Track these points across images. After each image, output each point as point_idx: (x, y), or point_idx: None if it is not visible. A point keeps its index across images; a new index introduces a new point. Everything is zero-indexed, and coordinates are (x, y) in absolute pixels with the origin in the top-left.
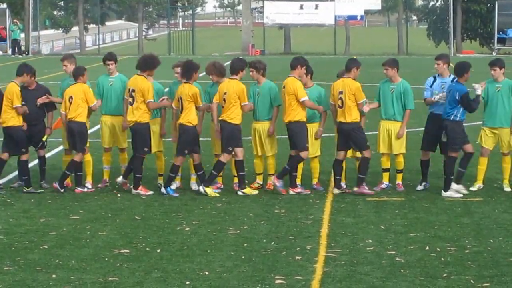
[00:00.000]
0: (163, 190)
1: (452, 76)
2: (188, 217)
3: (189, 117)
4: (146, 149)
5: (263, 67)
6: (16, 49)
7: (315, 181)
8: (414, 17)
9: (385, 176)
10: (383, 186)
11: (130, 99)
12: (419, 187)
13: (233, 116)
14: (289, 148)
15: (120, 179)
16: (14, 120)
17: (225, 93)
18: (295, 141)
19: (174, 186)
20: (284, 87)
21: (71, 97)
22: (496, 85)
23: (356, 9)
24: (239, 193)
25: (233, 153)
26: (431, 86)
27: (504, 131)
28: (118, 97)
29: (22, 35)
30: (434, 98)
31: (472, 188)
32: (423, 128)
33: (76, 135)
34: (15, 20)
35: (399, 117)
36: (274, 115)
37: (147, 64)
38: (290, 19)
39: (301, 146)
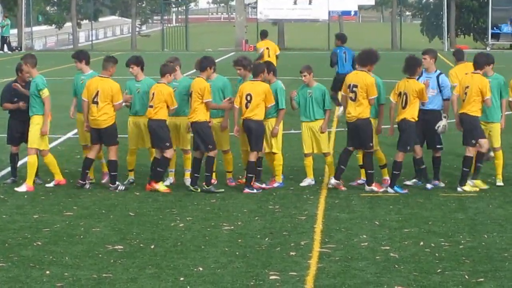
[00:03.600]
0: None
1: (439, 71)
2: (182, 213)
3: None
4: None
5: (249, 63)
6: (5, 45)
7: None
8: (408, 13)
9: (362, 172)
10: (359, 181)
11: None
12: (409, 182)
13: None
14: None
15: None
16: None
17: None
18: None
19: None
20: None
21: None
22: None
23: (350, 4)
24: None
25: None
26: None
27: (494, 125)
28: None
29: (14, 31)
30: None
31: (498, 183)
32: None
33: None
34: (6, 16)
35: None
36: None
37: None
38: (284, 14)
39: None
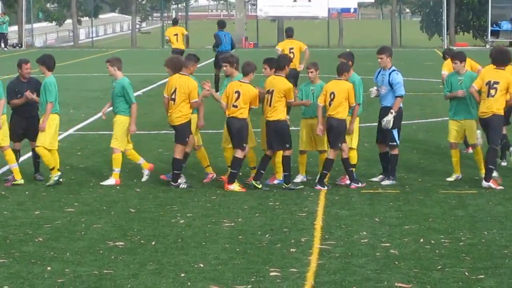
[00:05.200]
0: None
1: (393, 68)
2: (182, 209)
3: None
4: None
5: (236, 60)
6: (3, 42)
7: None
8: (407, 10)
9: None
10: (347, 181)
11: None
12: (376, 179)
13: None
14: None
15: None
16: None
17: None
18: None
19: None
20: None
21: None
22: (458, 77)
23: (350, 1)
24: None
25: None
26: (376, 79)
27: (468, 122)
28: None
29: (15, 28)
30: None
31: (449, 179)
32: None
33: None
34: (3, 13)
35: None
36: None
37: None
38: (284, 11)
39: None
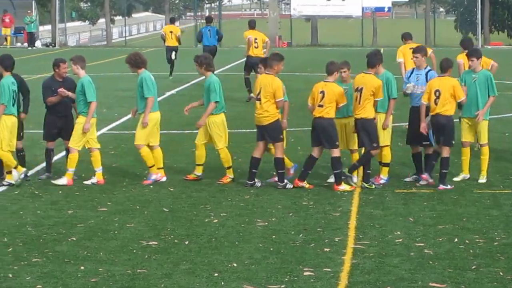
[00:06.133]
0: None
1: (428, 68)
2: (216, 209)
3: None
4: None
5: (205, 61)
6: (30, 41)
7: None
8: (442, 9)
9: (384, 171)
10: (382, 181)
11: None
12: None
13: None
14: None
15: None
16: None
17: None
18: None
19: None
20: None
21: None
22: (473, 75)
23: (384, 0)
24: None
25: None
26: (408, 78)
27: (481, 121)
28: None
29: (48, 27)
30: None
31: (455, 179)
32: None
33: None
34: (29, 12)
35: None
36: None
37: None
38: (317, 10)
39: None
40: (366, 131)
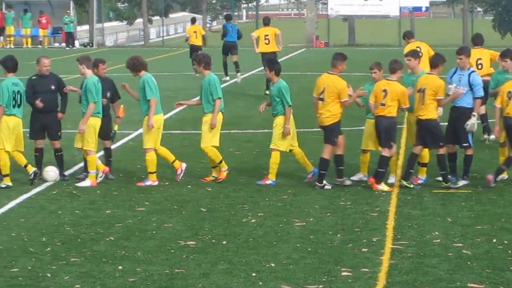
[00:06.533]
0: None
1: (471, 69)
2: (253, 209)
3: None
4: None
5: (204, 60)
6: (71, 40)
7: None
8: (479, 8)
9: (422, 171)
10: (420, 181)
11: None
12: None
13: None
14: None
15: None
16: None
17: (384, 91)
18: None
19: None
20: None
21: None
22: (506, 76)
23: (421, 0)
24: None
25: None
26: (450, 78)
27: None
28: None
29: (86, 27)
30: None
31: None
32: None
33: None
34: (68, 12)
35: None
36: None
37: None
38: (355, 10)
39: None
40: (430, 131)
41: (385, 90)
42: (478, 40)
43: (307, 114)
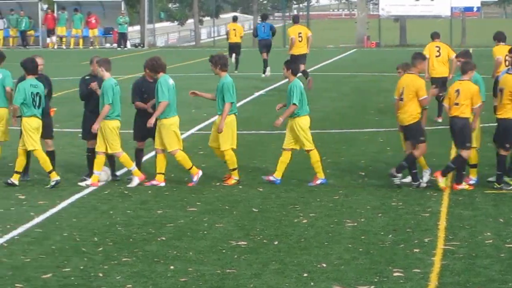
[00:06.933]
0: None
1: None
2: (305, 209)
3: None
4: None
5: (220, 61)
6: (120, 42)
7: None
8: None
9: (472, 172)
10: (471, 182)
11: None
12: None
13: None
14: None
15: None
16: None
17: (456, 90)
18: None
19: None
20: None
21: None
22: None
23: (473, 0)
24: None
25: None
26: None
27: None
28: None
29: (137, 27)
30: None
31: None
32: None
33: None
34: (122, 12)
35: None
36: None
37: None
38: (406, 10)
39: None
40: (508, 131)
41: (457, 90)
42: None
43: (356, 115)
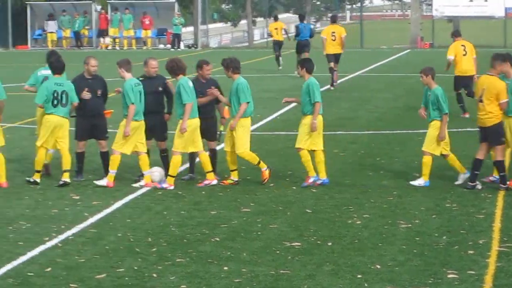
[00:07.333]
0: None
1: None
2: (358, 210)
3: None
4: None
5: (232, 64)
6: (174, 42)
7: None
8: None
9: (495, 170)
10: (491, 178)
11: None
12: None
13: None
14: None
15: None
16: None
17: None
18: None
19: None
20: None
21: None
22: None
23: None
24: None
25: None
26: None
27: None
28: None
29: (190, 28)
30: None
31: None
32: None
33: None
34: (178, 13)
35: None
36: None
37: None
38: (460, 11)
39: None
40: None
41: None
42: None
43: (410, 116)
